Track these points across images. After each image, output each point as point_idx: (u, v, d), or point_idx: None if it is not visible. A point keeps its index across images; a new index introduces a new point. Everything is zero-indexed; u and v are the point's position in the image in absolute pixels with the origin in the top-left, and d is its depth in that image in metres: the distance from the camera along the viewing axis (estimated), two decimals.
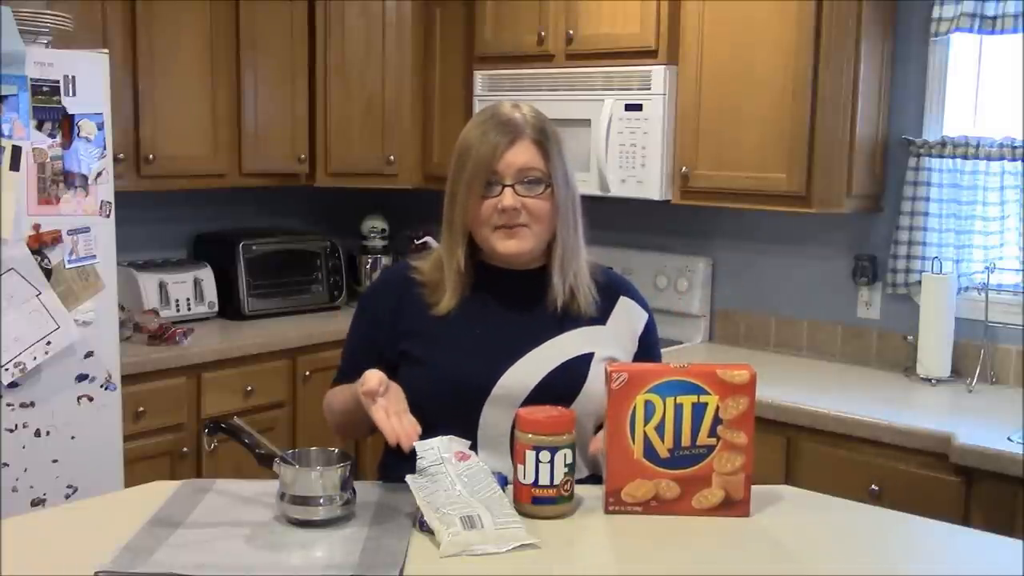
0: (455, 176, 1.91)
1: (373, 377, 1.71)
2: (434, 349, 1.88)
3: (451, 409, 1.84)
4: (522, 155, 1.87)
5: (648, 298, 2.10)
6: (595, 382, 1.86)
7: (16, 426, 2.81)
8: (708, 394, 1.69)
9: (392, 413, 1.70)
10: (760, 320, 3.61)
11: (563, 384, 1.87)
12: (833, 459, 2.78)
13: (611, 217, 3.81)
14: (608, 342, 1.93)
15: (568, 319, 1.93)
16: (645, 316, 2.02)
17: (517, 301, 1.94)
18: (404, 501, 1.68)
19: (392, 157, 4.06)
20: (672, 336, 3.58)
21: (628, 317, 2.00)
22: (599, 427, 1.85)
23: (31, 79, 2.75)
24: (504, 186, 1.86)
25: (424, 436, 1.73)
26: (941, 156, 3.13)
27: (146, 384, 3.24)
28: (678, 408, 1.69)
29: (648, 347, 2.01)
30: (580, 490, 1.74)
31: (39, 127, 2.79)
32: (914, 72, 3.24)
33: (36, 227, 2.80)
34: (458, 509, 1.57)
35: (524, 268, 1.94)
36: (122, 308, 3.21)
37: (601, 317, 1.96)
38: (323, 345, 3.72)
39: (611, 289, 2.00)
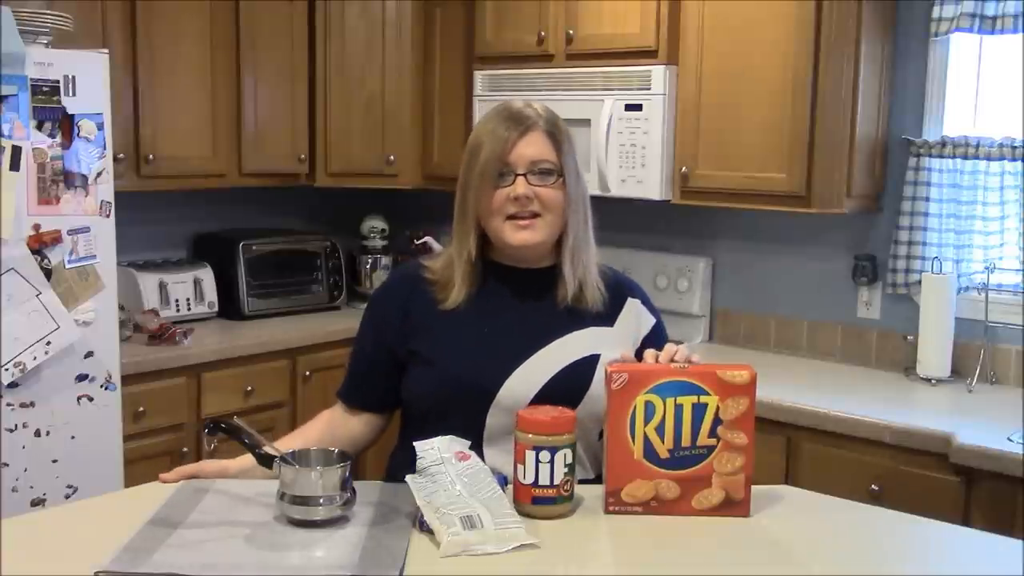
0: (467, 169, 1.90)
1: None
2: (442, 348, 1.88)
3: (457, 410, 1.84)
4: (534, 146, 1.87)
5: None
6: (599, 386, 1.85)
7: (16, 426, 2.81)
8: (708, 394, 1.69)
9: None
10: (760, 320, 3.61)
11: (568, 387, 1.86)
12: (833, 459, 2.78)
13: (611, 217, 3.78)
14: (614, 345, 1.91)
15: (576, 316, 1.92)
16: (652, 320, 2.01)
17: (526, 298, 1.93)
18: (404, 501, 1.67)
19: (392, 157, 4.06)
20: (672, 336, 3.54)
21: (636, 321, 1.99)
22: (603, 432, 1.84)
23: (31, 79, 2.75)
24: (517, 175, 1.86)
25: (427, 435, 1.73)
26: (941, 156, 3.13)
27: (146, 384, 3.24)
28: (678, 408, 1.69)
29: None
30: (580, 490, 1.74)
31: (39, 127, 2.78)
32: (914, 72, 3.24)
33: (36, 227, 2.80)
34: (458, 509, 1.57)
35: (534, 267, 1.94)
36: (122, 308, 3.20)
37: (609, 317, 1.95)
38: (323, 345, 3.72)
39: (620, 289, 2.00)
